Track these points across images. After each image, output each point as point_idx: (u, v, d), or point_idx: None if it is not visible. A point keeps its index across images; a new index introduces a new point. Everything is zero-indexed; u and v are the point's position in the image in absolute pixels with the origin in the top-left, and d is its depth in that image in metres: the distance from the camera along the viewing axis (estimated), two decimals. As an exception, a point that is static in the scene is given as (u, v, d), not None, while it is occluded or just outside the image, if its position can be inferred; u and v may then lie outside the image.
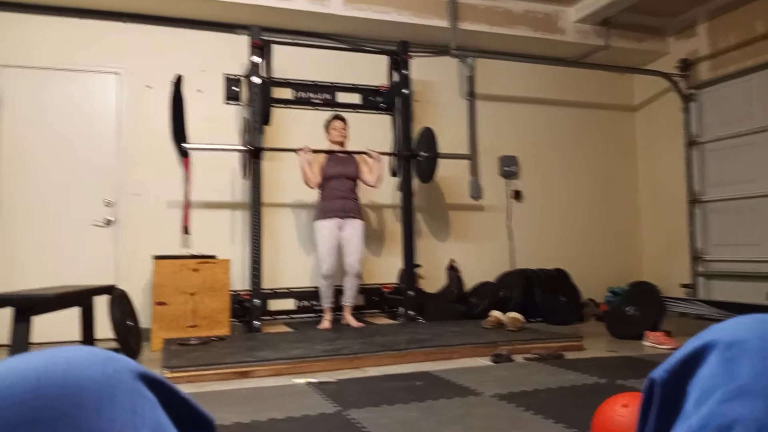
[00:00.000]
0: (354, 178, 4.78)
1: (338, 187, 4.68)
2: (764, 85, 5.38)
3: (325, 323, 4.71)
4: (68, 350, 0.43)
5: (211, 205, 5.14)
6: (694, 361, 0.46)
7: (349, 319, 4.76)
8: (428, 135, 5.25)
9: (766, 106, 5.36)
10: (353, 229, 4.67)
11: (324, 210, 4.66)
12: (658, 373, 0.49)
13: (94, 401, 0.39)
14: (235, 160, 5.21)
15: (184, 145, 4.65)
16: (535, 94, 6.37)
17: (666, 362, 0.49)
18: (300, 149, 4.69)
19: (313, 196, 5.26)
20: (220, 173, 5.18)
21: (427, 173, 5.30)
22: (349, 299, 4.79)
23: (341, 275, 4.80)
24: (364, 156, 4.86)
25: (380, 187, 4.99)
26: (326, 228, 4.63)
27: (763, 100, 5.39)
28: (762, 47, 5.36)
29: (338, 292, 4.88)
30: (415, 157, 5.29)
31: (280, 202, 5.33)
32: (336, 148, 4.81)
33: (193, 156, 5.10)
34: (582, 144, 6.53)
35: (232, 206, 5.20)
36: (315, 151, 4.74)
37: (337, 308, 4.89)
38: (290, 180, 5.34)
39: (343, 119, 4.84)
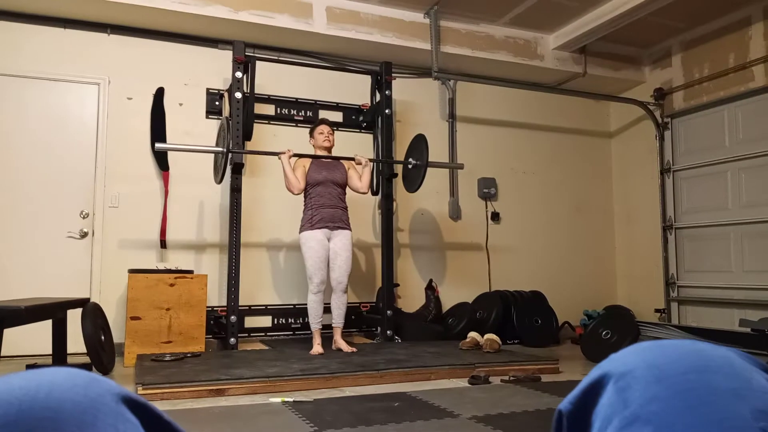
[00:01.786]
0: (342, 184, 4.48)
1: (325, 194, 4.37)
2: (735, 116, 5.55)
3: (317, 348, 4.25)
4: (51, 372, 0.42)
5: (190, 218, 5.10)
6: (594, 390, 0.48)
7: (341, 343, 4.37)
8: (420, 143, 5.04)
9: (737, 136, 5.52)
10: (342, 241, 4.37)
11: (311, 220, 4.33)
12: (564, 404, 0.51)
13: (76, 424, 0.39)
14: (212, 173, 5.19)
15: (158, 145, 4.41)
16: (514, 118, 6.47)
17: (570, 394, 0.51)
18: (281, 153, 4.41)
19: (292, 210, 5.26)
20: (198, 187, 5.14)
21: (415, 182, 5.06)
22: (338, 320, 4.42)
23: (327, 292, 4.47)
24: (352, 162, 4.62)
25: (368, 192, 4.76)
26: (314, 239, 4.29)
27: (734, 131, 5.54)
28: (734, 79, 5.53)
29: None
30: (396, 176, 5.31)
31: (259, 217, 5.30)
32: (322, 154, 4.53)
33: (172, 169, 5.06)
34: (559, 168, 6.64)
35: (210, 221, 5.16)
36: (299, 156, 4.48)
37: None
38: (269, 195, 5.33)
39: (330, 124, 4.60)
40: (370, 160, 4.69)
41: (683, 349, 0.46)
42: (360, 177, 4.57)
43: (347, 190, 4.56)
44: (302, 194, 4.46)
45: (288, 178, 4.36)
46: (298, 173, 4.40)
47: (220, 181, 4.66)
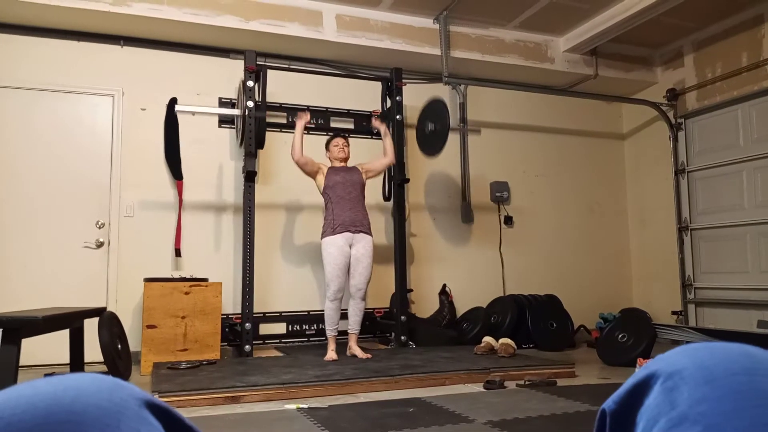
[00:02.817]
0: (360, 185, 4.49)
1: (345, 195, 4.38)
2: (749, 116, 5.49)
3: (331, 354, 4.27)
4: (76, 378, 0.43)
5: (204, 226, 5.13)
6: (640, 390, 0.48)
7: (356, 350, 4.37)
8: (440, 107, 5.05)
9: (752, 135, 5.46)
10: (365, 247, 4.36)
11: (333, 225, 4.33)
12: (608, 404, 0.51)
13: (101, 428, 0.40)
14: (228, 181, 5.23)
15: (178, 107, 4.51)
16: (525, 121, 6.45)
17: (615, 393, 0.50)
18: (299, 115, 4.50)
19: (306, 217, 5.29)
20: (212, 195, 5.18)
21: (437, 146, 5.04)
22: (354, 326, 4.42)
23: (345, 298, 4.47)
24: (363, 164, 4.63)
25: (394, 160, 4.76)
26: (335, 245, 4.29)
27: (749, 130, 5.49)
28: (747, 78, 5.48)
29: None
30: (408, 181, 5.31)
31: (272, 224, 5.33)
32: (338, 165, 4.56)
33: (186, 178, 5.10)
34: (572, 171, 6.60)
35: (224, 229, 5.19)
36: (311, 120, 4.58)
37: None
38: (283, 203, 5.35)
39: (345, 137, 4.66)
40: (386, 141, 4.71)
41: (733, 351, 0.46)
42: (378, 159, 4.67)
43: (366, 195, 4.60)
44: (323, 200, 4.51)
45: (295, 141, 4.44)
46: (310, 162, 4.47)
47: (241, 144, 4.73)
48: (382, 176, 5.46)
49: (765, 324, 4.36)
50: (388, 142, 4.66)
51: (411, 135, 5.84)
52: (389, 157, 4.67)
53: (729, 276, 5.63)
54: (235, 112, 4.68)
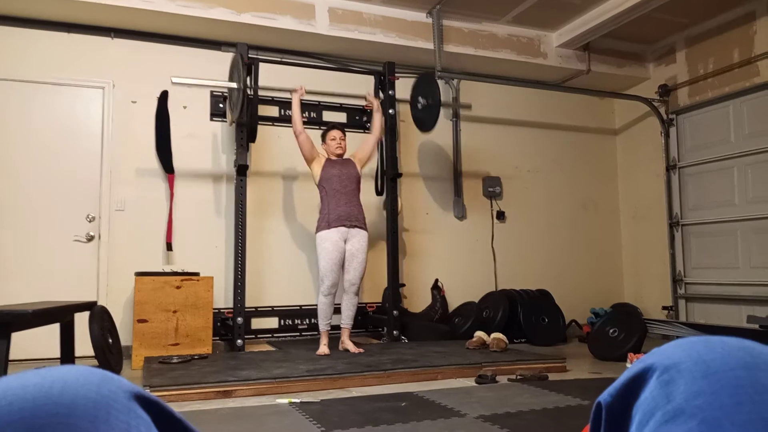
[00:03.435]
0: (356, 178, 4.46)
1: (341, 189, 4.35)
2: (741, 112, 5.52)
3: (324, 348, 4.26)
4: (64, 370, 0.42)
5: (195, 221, 5.11)
6: (636, 383, 0.47)
7: (348, 344, 4.38)
8: (430, 82, 5.15)
9: (743, 131, 5.49)
10: (360, 242, 4.36)
11: (328, 219, 4.31)
12: (604, 396, 0.50)
13: (89, 421, 0.39)
14: (219, 175, 5.20)
15: (175, 79, 4.47)
16: (518, 117, 6.46)
17: (611, 386, 0.50)
18: (294, 90, 4.52)
19: (298, 211, 5.27)
20: (203, 189, 5.15)
21: (430, 122, 5.16)
22: (347, 321, 4.44)
23: (338, 293, 4.47)
24: (355, 156, 4.61)
25: (381, 135, 4.82)
26: (330, 240, 4.27)
27: (740, 126, 5.52)
28: (739, 74, 5.50)
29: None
30: (400, 176, 5.30)
31: (264, 219, 5.31)
32: (334, 157, 4.53)
33: (178, 172, 5.07)
34: (564, 166, 6.62)
35: (215, 223, 5.17)
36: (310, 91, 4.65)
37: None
38: (275, 197, 5.34)
39: (342, 130, 4.59)
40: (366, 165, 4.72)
41: (731, 345, 0.45)
42: (365, 142, 4.67)
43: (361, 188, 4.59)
44: (318, 192, 4.49)
45: (294, 116, 4.47)
46: (310, 144, 4.44)
47: (235, 120, 4.68)
48: (375, 171, 5.46)
49: (755, 319, 4.40)
50: (378, 117, 4.66)
51: (404, 128, 5.84)
52: (375, 134, 4.65)
53: (719, 271, 5.67)
54: (233, 84, 4.63)
